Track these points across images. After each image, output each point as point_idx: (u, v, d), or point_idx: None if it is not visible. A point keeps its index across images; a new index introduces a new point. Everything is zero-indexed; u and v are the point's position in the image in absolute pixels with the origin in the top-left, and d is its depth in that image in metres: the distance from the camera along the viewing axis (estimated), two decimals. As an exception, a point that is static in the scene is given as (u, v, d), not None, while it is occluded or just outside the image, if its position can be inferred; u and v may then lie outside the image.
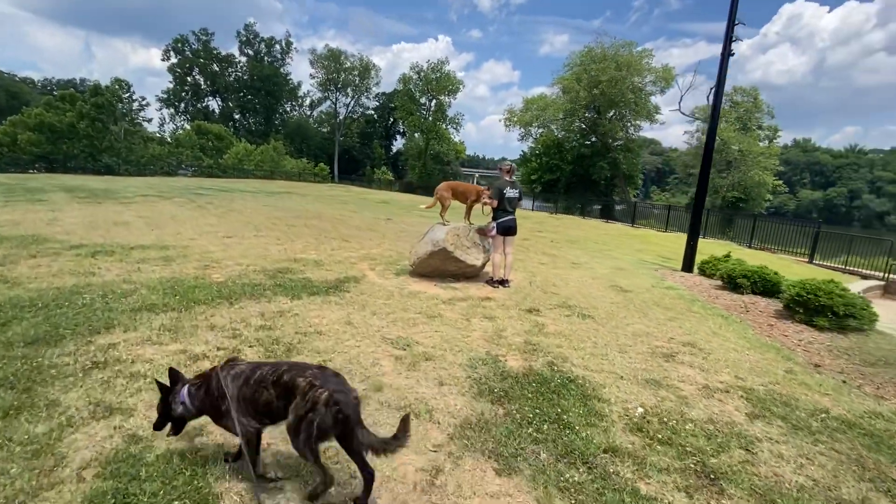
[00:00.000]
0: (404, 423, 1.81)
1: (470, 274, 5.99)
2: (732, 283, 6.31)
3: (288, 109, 65.04)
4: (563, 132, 39.70)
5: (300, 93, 64.46)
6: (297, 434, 1.78)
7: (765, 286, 6.11)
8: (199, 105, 59.10)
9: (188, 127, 47.99)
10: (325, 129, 64.05)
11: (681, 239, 18.75)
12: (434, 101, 55.89)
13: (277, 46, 62.00)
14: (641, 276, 7.70)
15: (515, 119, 40.63)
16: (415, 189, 46.10)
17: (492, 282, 5.89)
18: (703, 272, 7.96)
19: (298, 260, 6.55)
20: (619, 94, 34.62)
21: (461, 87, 55.52)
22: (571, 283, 6.47)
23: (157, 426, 2.07)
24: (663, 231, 20.86)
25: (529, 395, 2.94)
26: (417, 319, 4.30)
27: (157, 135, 48.69)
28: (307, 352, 3.36)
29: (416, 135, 57.53)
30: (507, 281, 5.92)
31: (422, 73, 54.76)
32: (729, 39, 8.06)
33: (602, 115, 36.86)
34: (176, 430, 2.08)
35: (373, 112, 65.37)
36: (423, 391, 2.92)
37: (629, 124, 37.96)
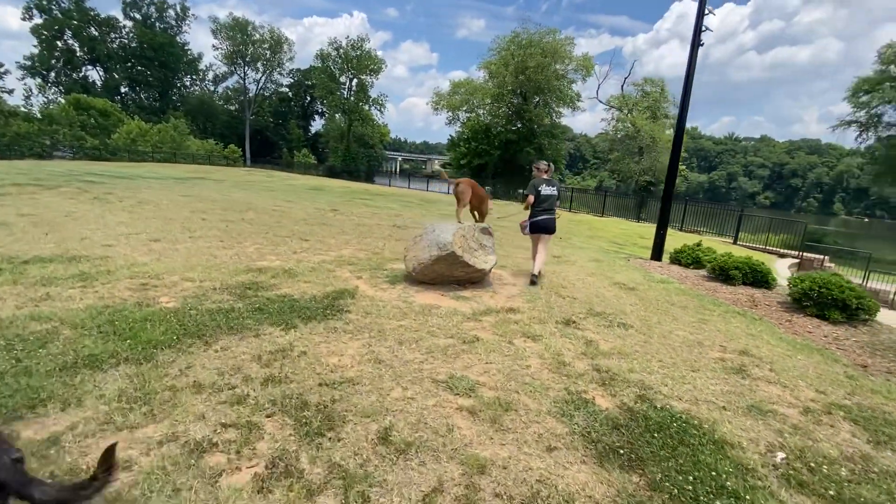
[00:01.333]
0: (107, 455, 1.47)
1: (476, 279, 5.30)
2: (725, 274, 6.35)
3: (188, 84, 57.84)
4: (490, 117, 39.84)
5: (201, 66, 57.59)
6: None
7: (755, 277, 6.22)
8: (74, 75, 50.18)
9: (62, 101, 40.42)
10: (232, 107, 58.10)
11: (619, 223, 19.90)
12: (355, 80, 53.16)
13: (171, 12, 54.48)
14: (625, 268, 7.57)
15: (444, 103, 39.97)
16: (339, 173, 43.76)
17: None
18: (678, 261, 8.06)
19: (262, 269, 5.37)
20: (544, 80, 35.42)
21: (383, 66, 53.42)
22: (575, 282, 6.06)
23: None
24: (600, 216, 21.75)
25: (658, 451, 2.38)
26: (455, 347, 3.54)
27: (22, 109, 40.39)
28: (352, 416, 2.48)
29: (336, 115, 54.42)
30: (535, 276, 5.71)
31: (341, 50, 51.64)
32: (699, 30, 8.08)
33: (528, 100, 37.54)
34: None
35: (287, 90, 60.55)
36: (535, 464, 2.22)
37: (553, 111, 39.19)
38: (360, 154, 53.81)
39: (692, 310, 5.14)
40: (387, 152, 68.15)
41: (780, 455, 2.47)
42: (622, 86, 40.91)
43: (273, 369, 2.95)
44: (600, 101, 41.63)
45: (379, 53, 52.01)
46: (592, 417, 2.67)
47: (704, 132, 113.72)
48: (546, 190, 5.74)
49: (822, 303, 4.84)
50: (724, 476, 2.21)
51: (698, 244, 8.01)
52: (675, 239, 14.73)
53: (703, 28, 8.00)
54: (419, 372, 3.07)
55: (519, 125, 39.03)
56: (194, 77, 57.87)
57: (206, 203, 11.54)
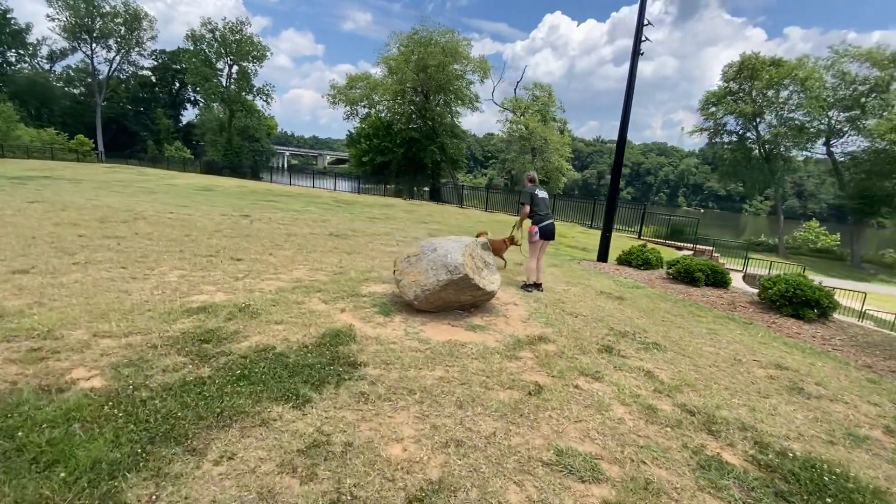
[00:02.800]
0: None
1: (482, 302, 4.65)
2: (689, 276, 6.62)
3: (13, 60, 46.60)
4: (392, 114, 38.87)
5: (30, 38, 46.82)
6: None
7: (715, 278, 6.58)
8: None
9: None
10: (77, 91, 48.32)
11: (511, 218, 20.54)
12: (235, 67, 47.85)
13: (-20, -35, 43.27)
14: (587, 273, 7.54)
15: (343, 97, 37.92)
16: (220, 169, 39.07)
17: (527, 287, 5.73)
18: (628, 263, 8.30)
19: (206, 308, 4.06)
20: (445, 79, 35.56)
21: (268, 54, 48.96)
22: (563, 294, 5.75)
23: None
24: (492, 212, 22.38)
25: (845, 523, 2.03)
26: (525, 403, 2.87)
27: None
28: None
29: (214, 105, 48.47)
30: (539, 285, 5.79)
31: (217, 33, 46.01)
32: (638, 40, 8.37)
33: (430, 99, 37.39)
34: None
35: (150, 74, 52.28)
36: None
37: (452, 110, 39.60)
38: (243, 148, 48.73)
39: (689, 318, 5.15)
40: (274, 147, 62.95)
41: (932, 498, 2.30)
42: (515, 89, 43.07)
43: (324, 485, 2.00)
44: (495, 103, 43.33)
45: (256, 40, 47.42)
46: (741, 483, 2.26)
47: (576, 134, 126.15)
48: (541, 194, 5.79)
49: (797, 303, 5.21)
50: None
51: (643, 246, 8.33)
52: (592, 237, 15.63)
53: (644, 38, 8.30)
54: (516, 452, 2.36)
55: (421, 123, 38.69)
56: (21, 52, 46.72)
57: (70, 212, 9.01)
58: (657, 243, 15.39)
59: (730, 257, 15.65)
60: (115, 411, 2.37)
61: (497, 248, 6.47)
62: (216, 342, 3.39)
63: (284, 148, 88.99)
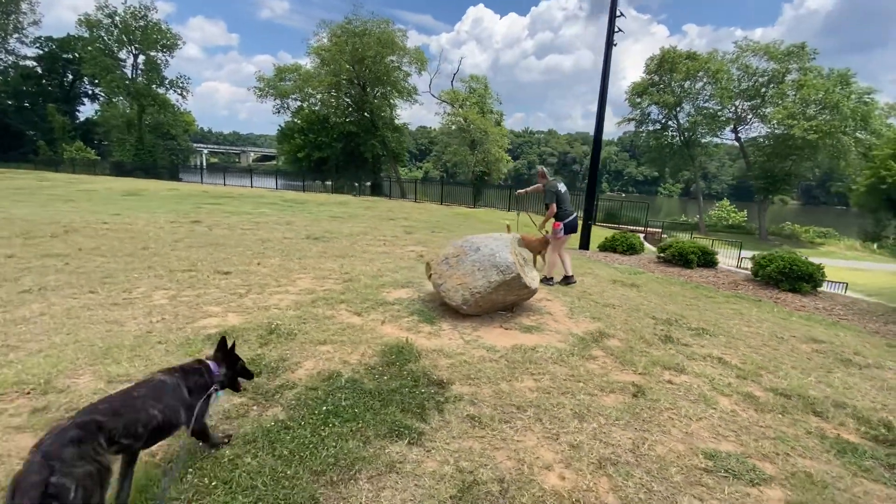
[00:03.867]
0: None
1: (525, 300, 4.45)
2: (684, 259, 6.91)
3: None
4: (327, 108, 37.21)
5: None
6: None
7: (706, 259, 6.94)
8: None
9: None
10: (-65, 82, 41.03)
11: (490, 212, 20.66)
12: (142, 57, 43.04)
13: None
14: (582, 261, 7.63)
15: (273, 90, 35.60)
16: (130, 171, 35.25)
17: (547, 280, 5.60)
18: (612, 249, 8.55)
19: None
20: (383, 71, 34.65)
21: (179, 43, 44.58)
22: (586, 285, 5.74)
23: None
24: (448, 205, 22.43)
25: None
26: (633, 408, 2.74)
27: None
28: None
29: (118, 100, 43.38)
30: (571, 276, 5.70)
31: (116, 18, 41.02)
32: (611, 31, 8.55)
33: (367, 91, 36.25)
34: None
35: (35, 64, 45.57)
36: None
37: (389, 103, 38.72)
38: (157, 147, 44.27)
39: (706, 300, 5.35)
40: (195, 145, 57.91)
41: None
42: (451, 81, 43.03)
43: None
44: (433, 95, 42.96)
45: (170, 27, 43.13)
46: (881, 462, 2.29)
47: (506, 126, 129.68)
48: (563, 188, 5.70)
49: (793, 278, 5.62)
50: None
51: (625, 234, 8.60)
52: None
53: (617, 29, 8.50)
54: (670, 463, 2.21)
55: (359, 116, 37.45)
56: None
57: (-18, 229, 7.50)
58: (611, 227, 16.16)
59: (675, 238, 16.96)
60: (203, 481, 1.88)
61: (535, 248, 6.08)
62: (268, 374, 2.90)
63: (202, 146, 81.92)
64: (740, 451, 2.34)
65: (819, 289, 5.96)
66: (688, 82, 32.75)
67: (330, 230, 9.45)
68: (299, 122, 37.65)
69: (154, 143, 44.01)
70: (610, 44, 8.67)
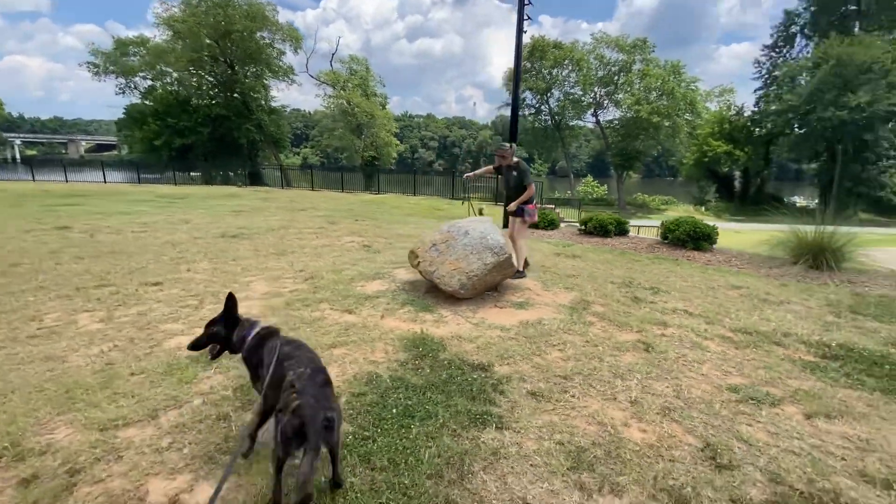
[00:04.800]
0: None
1: (504, 279, 4.58)
2: (604, 229, 7.75)
3: None
4: (189, 88, 32.65)
5: None
6: (274, 430, 1.61)
7: (621, 229, 7.86)
8: None
9: None
10: None
11: (399, 198, 20.25)
12: None
13: None
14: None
15: (114, 67, 29.96)
16: None
17: (520, 273, 4.88)
18: (535, 225, 9.15)
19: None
20: (254, 48, 31.48)
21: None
22: (539, 259, 6.10)
23: (196, 346, 2.00)
24: (351, 192, 21.87)
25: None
26: (654, 360, 3.08)
27: None
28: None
29: None
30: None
31: None
32: (521, 18, 9.00)
33: (237, 70, 32.62)
34: (215, 356, 2.03)
35: None
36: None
37: (263, 84, 35.45)
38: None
39: (638, 263, 6.10)
40: (6, 134, 46.49)
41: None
42: (331, 62, 41.00)
43: (637, 486, 1.86)
44: (311, 76, 40.49)
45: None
46: (839, 370, 2.96)
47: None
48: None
49: (697, 238, 6.75)
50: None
51: (591, 217, 8.93)
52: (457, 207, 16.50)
53: (526, 17, 8.96)
54: (711, 402, 2.57)
55: (228, 98, 33.58)
56: None
57: None
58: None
59: (564, 210, 18.80)
60: (323, 510, 1.67)
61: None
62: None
63: (14, 135, 65.72)
64: (749, 382, 2.81)
65: (714, 246, 7.27)
66: (556, 69, 35.86)
67: (244, 226, 8.50)
68: (152, 104, 32.47)
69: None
70: (520, 30, 9.14)
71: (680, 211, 36.15)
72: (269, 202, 14.23)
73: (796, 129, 33.93)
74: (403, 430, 2.18)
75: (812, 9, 36.14)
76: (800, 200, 42.13)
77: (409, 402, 2.42)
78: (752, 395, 2.63)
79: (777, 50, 39.08)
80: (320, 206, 13.39)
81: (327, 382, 1.72)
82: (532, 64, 35.59)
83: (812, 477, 1.96)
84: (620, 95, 35.61)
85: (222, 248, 6.46)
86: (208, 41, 30.26)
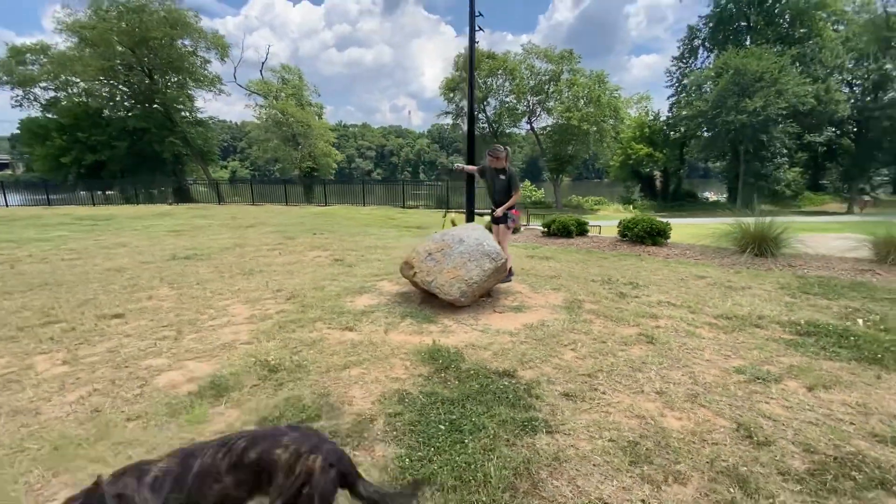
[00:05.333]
0: (416, 485, 1.73)
1: (498, 283, 4.61)
2: (566, 230, 8.06)
3: None
4: (100, 99, 29.81)
5: None
6: None
7: (581, 229, 8.21)
8: None
9: None
10: None
11: (349, 209, 19.60)
12: None
13: None
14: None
15: (9, 76, 26.66)
16: None
17: (507, 278, 4.84)
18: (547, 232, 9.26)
19: (216, 385, 2.76)
20: (176, 56, 29.41)
21: None
22: (519, 263, 6.21)
23: None
24: (297, 204, 21.09)
25: None
26: (662, 350, 3.25)
27: None
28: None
29: None
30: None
31: None
32: (473, 29, 9.21)
33: (156, 80, 30.26)
34: None
35: None
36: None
37: (193, 93, 33.24)
38: None
39: (606, 261, 6.41)
40: None
41: None
42: (261, 71, 39.39)
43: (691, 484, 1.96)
44: (240, 86, 38.65)
45: None
46: (817, 344, 3.30)
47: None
48: None
49: (654, 234, 7.23)
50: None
51: (554, 220, 9.15)
52: (411, 216, 16.51)
53: (477, 28, 9.18)
54: (726, 385, 2.75)
55: (148, 110, 31.08)
56: None
57: None
58: (460, 213, 17.49)
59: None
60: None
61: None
62: (325, 415, 2.45)
63: None
64: (749, 364, 3.04)
65: (668, 240, 7.83)
66: (490, 79, 37.00)
67: (193, 247, 7.87)
68: (56, 117, 29.27)
69: None
70: (472, 42, 9.31)
71: (611, 210, 38.53)
72: (209, 220, 13.30)
73: (705, 132, 37.57)
74: (458, 447, 2.11)
75: (710, 25, 40.38)
76: (710, 196, 46.65)
77: (453, 417, 2.36)
78: (757, 374, 2.85)
79: (684, 61, 43.11)
80: (268, 222, 12.73)
81: (315, 430, 1.63)
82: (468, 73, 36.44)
83: (837, 443, 2.16)
84: (552, 103, 37.43)
85: (178, 271, 5.93)
86: (121, 48, 27.89)
